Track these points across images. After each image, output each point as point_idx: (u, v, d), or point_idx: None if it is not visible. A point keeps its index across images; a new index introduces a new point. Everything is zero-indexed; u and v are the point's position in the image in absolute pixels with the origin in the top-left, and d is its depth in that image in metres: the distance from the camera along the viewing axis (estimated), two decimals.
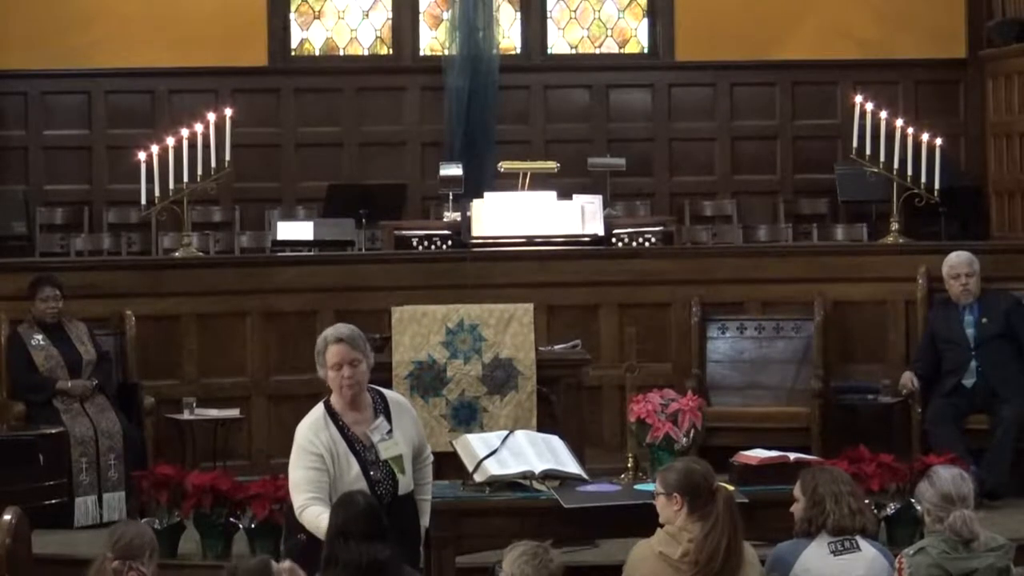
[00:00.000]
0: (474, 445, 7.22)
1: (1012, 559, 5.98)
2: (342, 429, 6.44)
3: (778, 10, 13.53)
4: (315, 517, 6.17)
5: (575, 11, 13.93)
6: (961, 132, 13.54)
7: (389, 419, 6.51)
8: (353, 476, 6.36)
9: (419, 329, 8.55)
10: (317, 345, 6.49)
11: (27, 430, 9.26)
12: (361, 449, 6.42)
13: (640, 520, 6.53)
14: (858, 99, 11.53)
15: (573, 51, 13.97)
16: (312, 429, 6.43)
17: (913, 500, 8.22)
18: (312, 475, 6.35)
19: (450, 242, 11.15)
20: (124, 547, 5.87)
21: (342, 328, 6.52)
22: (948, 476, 6.04)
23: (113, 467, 9.38)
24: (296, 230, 11.66)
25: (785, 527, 6.27)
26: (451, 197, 11.61)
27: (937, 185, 11.08)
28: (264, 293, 10.52)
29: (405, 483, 6.47)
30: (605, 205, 11.35)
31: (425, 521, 6.65)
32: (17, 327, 9.70)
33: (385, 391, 6.70)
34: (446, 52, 13.44)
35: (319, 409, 6.51)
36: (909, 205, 11.23)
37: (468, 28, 13.27)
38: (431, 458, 6.73)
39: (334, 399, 6.50)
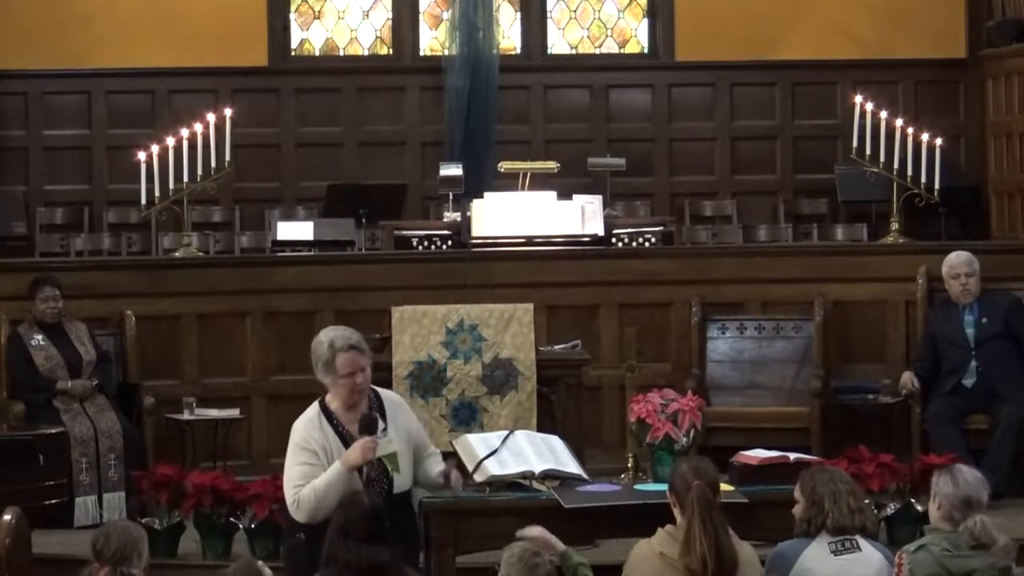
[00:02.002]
0: (474, 445, 7.21)
1: (1014, 559, 5.97)
2: (336, 428, 6.46)
3: (778, 10, 13.53)
4: (311, 492, 6.25)
5: (575, 11, 13.92)
6: (961, 132, 13.54)
7: (384, 417, 6.51)
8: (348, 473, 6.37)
9: (419, 329, 8.55)
10: (320, 353, 6.42)
11: (27, 430, 9.26)
12: None
13: (640, 520, 6.53)
14: (858, 99, 11.54)
15: (573, 51, 13.97)
16: (307, 428, 6.46)
17: (914, 500, 8.26)
18: (306, 470, 6.38)
19: (450, 242, 11.14)
20: (112, 555, 5.77)
21: (348, 334, 6.44)
22: (972, 480, 6.00)
23: (113, 467, 9.38)
24: (296, 230, 11.66)
25: (785, 527, 6.27)
26: (451, 197, 11.61)
27: (937, 185, 11.08)
28: (264, 293, 10.52)
29: (400, 481, 6.48)
30: (605, 205, 11.35)
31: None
32: (17, 327, 9.70)
33: (380, 389, 6.69)
34: (446, 52, 13.44)
35: (314, 408, 6.52)
36: (909, 205, 11.24)
37: (468, 28, 13.27)
38: (437, 450, 6.74)
39: (329, 398, 6.50)
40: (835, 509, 6.01)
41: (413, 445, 6.60)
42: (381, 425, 6.45)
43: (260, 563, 5.77)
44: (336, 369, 6.40)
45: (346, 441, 6.42)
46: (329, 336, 6.45)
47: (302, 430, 6.47)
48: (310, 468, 6.37)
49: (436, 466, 6.69)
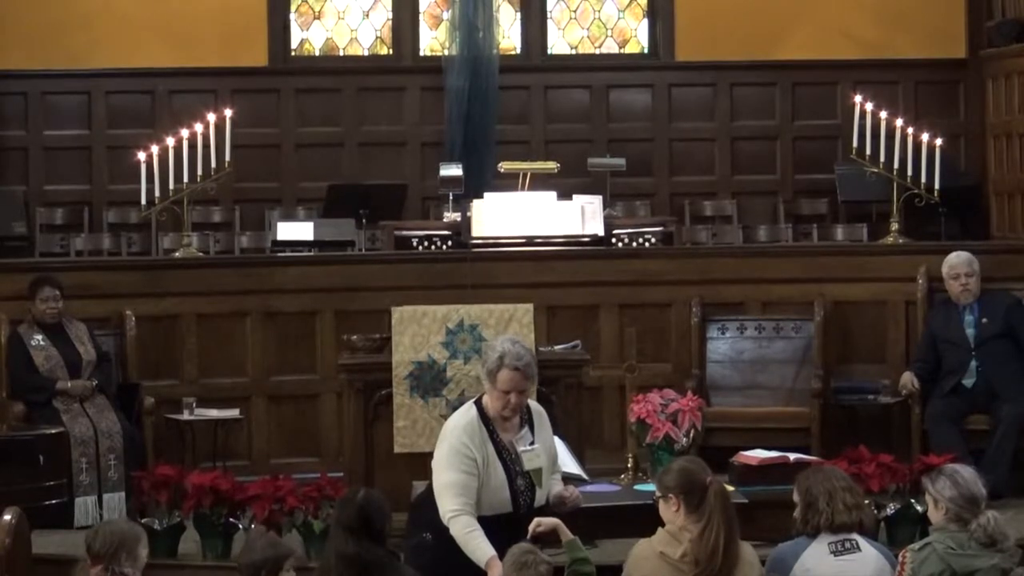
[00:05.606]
0: None
1: (1016, 562, 5.97)
2: (492, 435, 6.44)
3: (778, 10, 13.53)
4: (463, 531, 6.20)
5: (575, 11, 13.93)
6: (961, 132, 13.54)
7: (532, 430, 6.52)
8: (498, 483, 6.39)
9: (419, 329, 8.54)
10: (489, 359, 6.45)
11: (27, 430, 9.25)
12: (508, 457, 6.44)
13: (640, 520, 6.53)
14: (858, 99, 11.54)
15: (573, 51, 13.97)
16: (466, 431, 6.40)
17: (914, 501, 8.25)
18: (466, 480, 6.32)
19: (450, 242, 11.15)
20: (105, 553, 5.80)
21: (521, 354, 6.44)
22: (969, 476, 6.01)
23: (113, 467, 9.38)
24: (296, 230, 11.65)
25: (785, 527, 6.28)
26: (451, 197, 11.61)
27: (937, 185, 11.08)
28: (264, 293, 10.52)
29: (541, 495, 6.48)
30: (605, 205, 11.35)
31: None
32: (17, 327, 9.69)
33: (529, 401, 6.67)
34: (446, 52, 13.44)
35: (471, 411, 6.49)
36: (909, 205, 11.24)
37: (468, 28, 13.27)
38: (561, 469, 6.80)
39: (486, 400, 6.49)
40: (831, 507, 6.02)
41: (551, 460, 6.61)
42: (530, 438, 6.47)
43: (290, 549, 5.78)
44: (496, 381, 6.41)
45: (499, 449, 6.40)
46: (505, 348, 6.46)
47: (461, 433, 6.41)
48: (469, 477, 6.31)
49: (555, 487, 6.67)
